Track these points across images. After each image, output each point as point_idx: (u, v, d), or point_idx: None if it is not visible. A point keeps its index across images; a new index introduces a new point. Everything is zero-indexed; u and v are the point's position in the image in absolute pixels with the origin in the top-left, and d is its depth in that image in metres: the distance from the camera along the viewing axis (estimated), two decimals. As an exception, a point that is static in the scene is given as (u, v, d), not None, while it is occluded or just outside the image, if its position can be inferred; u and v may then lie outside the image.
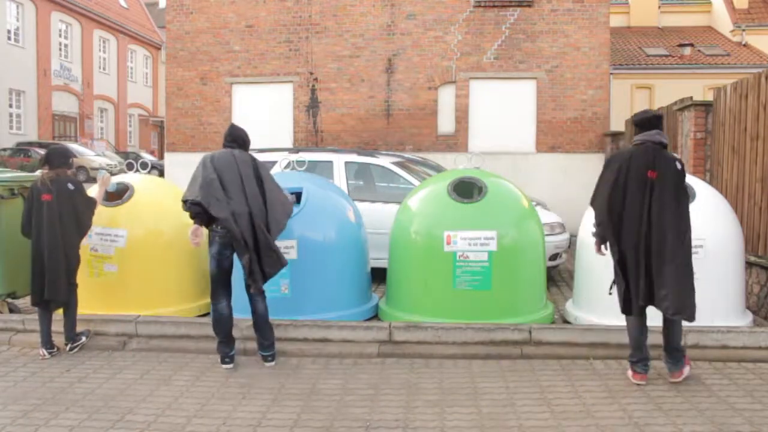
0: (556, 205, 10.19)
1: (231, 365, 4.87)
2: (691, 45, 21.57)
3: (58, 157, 5.31)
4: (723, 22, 23.79)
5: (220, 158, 4.85)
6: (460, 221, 5.59)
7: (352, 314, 5.86)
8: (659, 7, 24.97)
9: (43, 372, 4.82)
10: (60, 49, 30.52)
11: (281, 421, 3.90)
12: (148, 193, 6.21)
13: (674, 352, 4.47)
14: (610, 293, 4.59)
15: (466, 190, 5.88)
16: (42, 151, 18.67)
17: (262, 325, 4.92)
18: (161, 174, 15.76)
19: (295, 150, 8.63)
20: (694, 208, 4.63)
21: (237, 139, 5.02)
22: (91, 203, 5.40)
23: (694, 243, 4.52)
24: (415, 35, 13.51)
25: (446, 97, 13.56)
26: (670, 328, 4.45)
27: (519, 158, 13.12)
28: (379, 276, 6.95)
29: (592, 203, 4.62)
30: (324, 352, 5.18)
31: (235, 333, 5.03)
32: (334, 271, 5.84)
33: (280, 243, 5.07)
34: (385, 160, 8.32)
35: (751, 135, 6.38)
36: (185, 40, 14.08)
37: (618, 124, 13.73)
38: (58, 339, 5.24)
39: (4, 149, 24.41)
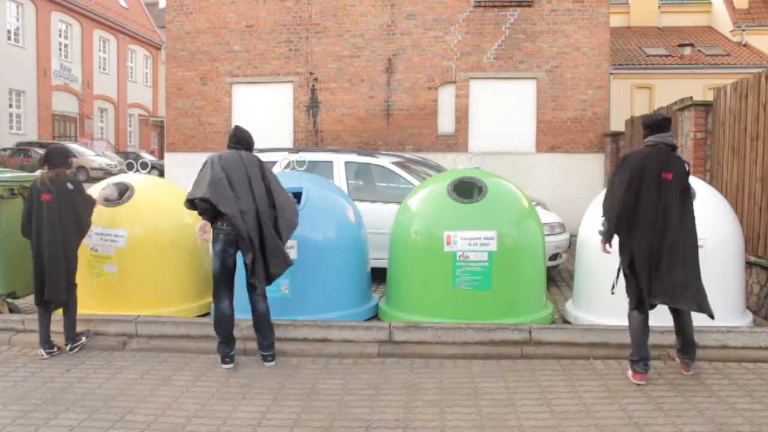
0: (556, 205, 10.19)
1: (231, 365, 4.88)
2: (691, 45, 21.57)
3: (57, 157, 5.31)
4: (723, 22, 23.79)
5: (227, 158, 4.89)
6: (460, 221, 5.59)
7: (352, 314, 5.86)
8: (659, 7, 24.97)
9: (43, 372, 4.82)
10: (60, 49, 30.52)
11: (281, 421, 3.90)
12: (148, 193, 6.21)
13: (692, 346, 4.62)
14: (613, 292, 4.60)
15: (466, 190, 5.88)
16: (42, 151, 18.64)
17: (262, 324, 4.92)
18: (161, 174, 15.76)
19: (295, 150, 8.63)
20: (694, 208, 4.64)
21: (242, 140, 5.06)
22: (91, 203, 5.41)
23: (694, 243, 4.56)
24: (415, 35, 13.51)
25: (446, 97, 13.56)
26: (685, 322, 4.57)
27: (519, 158, 13.12)
28: (379, 276, 6.95)
29: (605, 203, 4.62)
30: (324, 352, 5.18)
31: (236, 333, 5.03)
32: (334, 271, 5.85)
33: (280, 243, 5.08)
34: (385, 160, 8.32)
35: (751, 135, 6.38)
36: (185, 40, 14.09)
37: (618, 124, 13.72)
38: (59, 339, 5.24)
39: (4, 149, 24.41)
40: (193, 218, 6.04)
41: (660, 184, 4.39)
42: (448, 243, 5.51)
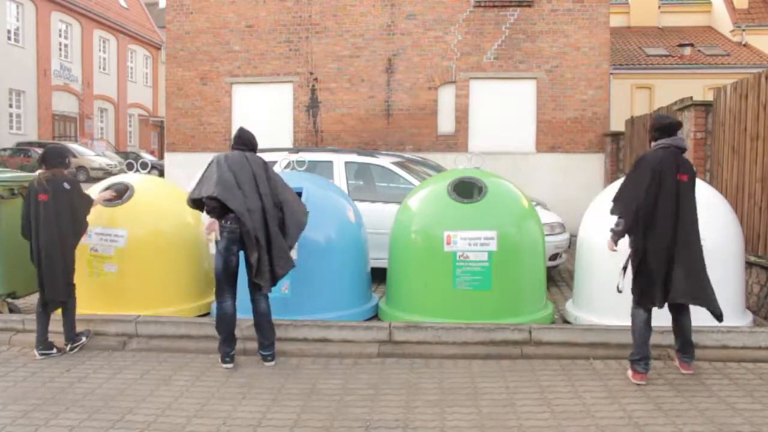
0: (556, 205, 10.19)
1: (231, 365, 4.88)
2: (691, 45, 21.57)
3: (54, 157, 5.29)
4: (723, 22, 23.78)
5: (233, 158, 4.93)
6: (460, 221, 5.59)
7: (352, 314, 5.86)
8: (659, 7, 24.97)
9: (43, 372, 4.82)
10: (60, 49, 30.52)
11: (281, 421, 3.90)
12: (148, 193, 6.21)
13: (690, 345, 4.66)
14: (620, 291, 4.60)
15: (466, 190, 5.88)
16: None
17: (264, 324, 4.93)
18: (161, 174, 15.76)
19: (295, 150, 8.63)
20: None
21: (246, 142, 5.11)
22: (87, 202, 5.39)
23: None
24: (415, 35, 13.51)
25: (446, 97, 13.56)
26: (684, 323, 4.61)
27: (519, 158, 13.13)
28: (379, 276, 6.95)
29: (616, 201, 4.61)
30: (324, 352, 5.18)
31: (236, 333, 5.02)
32: (334, 271, 5.84)
33: (280, 243, 5.08)
34: (385, 160, 8.32)
35: (751, 135, 6.38)
36: (185, 40, 14.09)
37: (618, 124, 13.72)
38: (58, 339, 5.24)
39: (4, 149, 24.42)
40: (194, 218, 6.07)
41: (675, 185, 4.46)
42: (448, 243, 5.51)
